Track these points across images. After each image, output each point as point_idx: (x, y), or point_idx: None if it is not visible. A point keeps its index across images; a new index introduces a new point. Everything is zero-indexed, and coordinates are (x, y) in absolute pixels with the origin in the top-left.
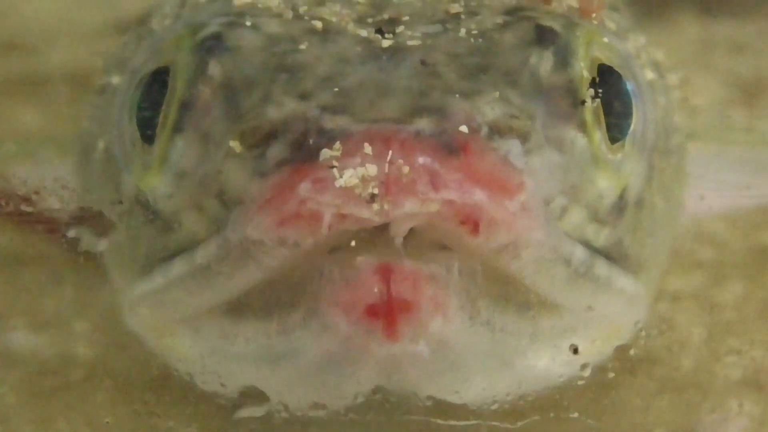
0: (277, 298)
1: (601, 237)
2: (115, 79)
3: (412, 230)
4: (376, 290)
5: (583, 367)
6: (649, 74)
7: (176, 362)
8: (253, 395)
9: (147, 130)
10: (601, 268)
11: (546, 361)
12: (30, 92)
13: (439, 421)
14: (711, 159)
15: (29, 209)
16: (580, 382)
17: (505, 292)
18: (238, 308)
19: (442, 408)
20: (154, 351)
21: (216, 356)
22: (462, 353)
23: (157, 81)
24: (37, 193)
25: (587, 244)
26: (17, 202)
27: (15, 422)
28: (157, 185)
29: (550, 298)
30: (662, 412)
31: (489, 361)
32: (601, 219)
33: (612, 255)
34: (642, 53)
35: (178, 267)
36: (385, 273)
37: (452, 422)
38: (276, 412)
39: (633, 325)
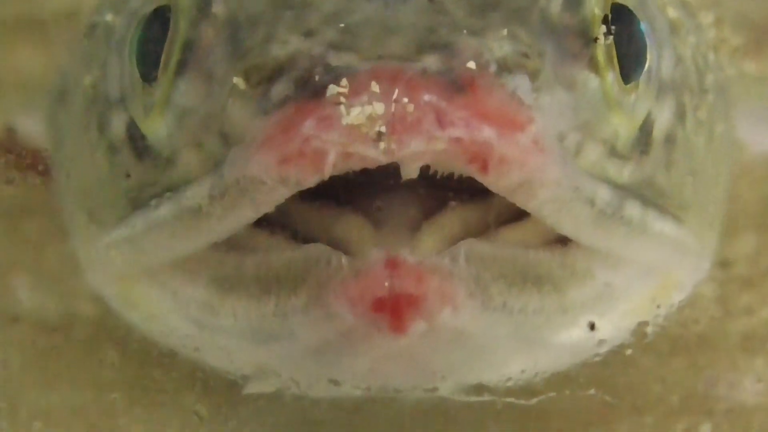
0: (276, 280)
1: (625, 173)
2: (109, 17)
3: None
4: (386, 284)
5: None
6: (672, 12)
7: (142, 322)
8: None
9: (147, 71)
10: (633, 208)
11: (581, 332)
12: (31, 34)
13: (453, 397)
14: None
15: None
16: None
17: (524, 271)
18: (229, 283)
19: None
20: (116, 311)
21: (194, 324)
22: (479, 340)
23: (158, 20)
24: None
25: (611, 182)
26: (25, 166)
27: (18, 385)
28: (159, 127)
29: (581, 242)
30: (676, 376)
31: (513, 344)
32: (622, 155)
33: (645, 195)
34: None
35: (165, 208)
36: (393, 266)
37: (466, 398)
38: (286, 388)
39: (693, 279)
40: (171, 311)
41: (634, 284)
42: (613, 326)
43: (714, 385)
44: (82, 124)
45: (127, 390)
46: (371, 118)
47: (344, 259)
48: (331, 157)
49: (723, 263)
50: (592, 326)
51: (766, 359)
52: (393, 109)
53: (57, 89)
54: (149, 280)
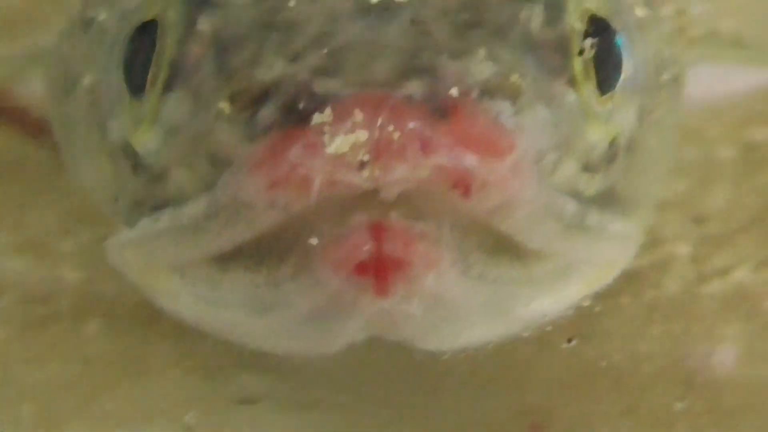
0: (267, 250)
1: (593, 186)
2: (102, 15)
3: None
4: (366, 248)
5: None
6: (640, 11)
7: (162, 300)
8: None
9: (136, 85)
10: (593, 217)
11: (539, 305)
12: None
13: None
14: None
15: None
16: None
17: (498, 242)
18: (226, 256)
19: None
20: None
21: (202, 300)
22: (456, 307)
23: (145, 35)
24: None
25: (579, 195)
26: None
27: (5, 359)
28: (148, 142)
29: (543, 251)
30: (650, 343)
31: (484, 312)
32: (593, 168)
33: (604, 201)
34: None
35: (166, 221)
36: (377, 231)
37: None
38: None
39: (629, 260)
40: (181, 291)
41: (584, 265)
42: (561, 304)
43: (689, 355)
44: (85, 123)
45: (115, 365)
46: (355, 147)
47: (326, 225)
48: (317, 184)
49: (697, 219)
50: (569, 340)
51: (739, 326)
52: (377, 137)
53: (61, 76)
54: (162, 268)
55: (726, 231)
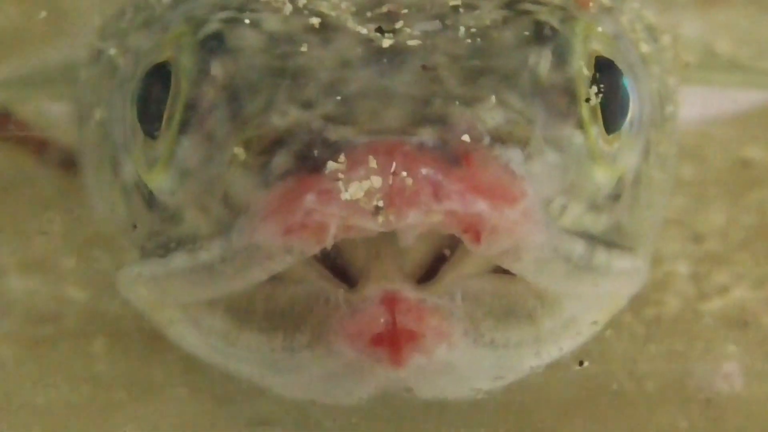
0: (282, 317)
1: (599, 224)
2: (112, 50)
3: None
4: (382, 321)
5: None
6: (644, 47)
7: (173, 337)
8: None
9: (149, 126)
10: (600, 256)
11: (547, 356)
12: None
13: None
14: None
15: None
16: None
17: (507, 306)
18: (242, 315)
19: None
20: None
21: (217, 351)
22: (467, 372)
23: (159, 76)
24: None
25: (585, 234)
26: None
27: (15, 380)
28: (163, 182)
29: (551, 291)
30: (652, 362)
31: (494, 370)
32: (599, 207)
33: (611, 238)
34: (636, 23)
35: (180, 261)
36: (390, 303)
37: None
38: None
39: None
40: (194, 336)
41: (591, 309)
42: (572, 345)
43: (691, 373)
44: (97, 157)
45: (123, 384)
46: (369, 193)
47: (341, 297)
48: (332, 229)
49: (695, 237)
50: (581, 363)
51: (740, 343)
52: (391, 183)
53: (79, 104)
54: (180, 313)
55: (724, 249)
